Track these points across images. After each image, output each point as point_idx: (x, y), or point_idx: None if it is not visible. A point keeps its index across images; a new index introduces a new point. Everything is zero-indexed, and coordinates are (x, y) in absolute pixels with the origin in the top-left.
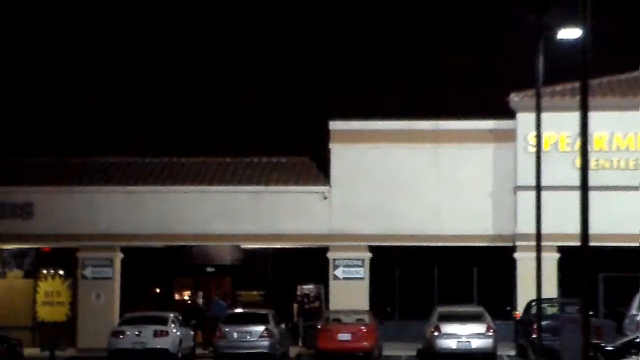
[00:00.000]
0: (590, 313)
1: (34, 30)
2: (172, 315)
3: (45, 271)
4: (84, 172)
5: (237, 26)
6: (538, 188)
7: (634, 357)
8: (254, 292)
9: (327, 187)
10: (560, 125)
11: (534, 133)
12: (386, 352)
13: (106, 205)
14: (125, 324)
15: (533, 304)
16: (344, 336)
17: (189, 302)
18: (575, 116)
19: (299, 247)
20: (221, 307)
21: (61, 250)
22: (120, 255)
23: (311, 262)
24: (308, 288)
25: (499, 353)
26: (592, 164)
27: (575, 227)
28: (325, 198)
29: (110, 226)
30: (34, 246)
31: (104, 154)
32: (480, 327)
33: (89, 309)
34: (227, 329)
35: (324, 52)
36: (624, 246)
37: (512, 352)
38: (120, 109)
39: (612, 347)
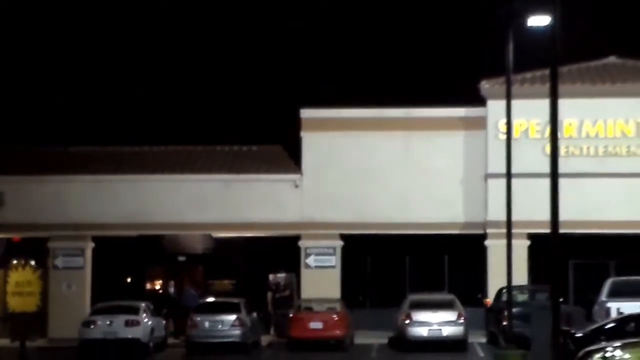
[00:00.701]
0: (560, 300)
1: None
2: (143, 304)
3: (15, 261)
4: (55, 161)
5: (237, 26)
6: (508, 175)
7: (603, 343)
8: (226, 281)
9: (299, 176)
10: (531, 113)
11: (505, 120)
12: (358, 340)
13: (77, 194)
14: (96, 314)
15: (504, 291)
16: (316, 324)
17: (161, 291)
18: (545, 103)
19: (271, 235)
20: (192, 296)
21: (32, 240)
22: (91, 245)
23: (283, 250)
24: (279, 277)
25: (470, 340)
26: (562, 151)
27: (545, 214)
28: (296, 186)
29: (81, 215)
30: (4, 236)
31: (75, 143)
32: (451, 315)
33: (60, 299)
34: (198, 318)
35: (323, 52)
36: (594, 233)
37: (483, 340)
38: (90, 99)
39: (582, 333)
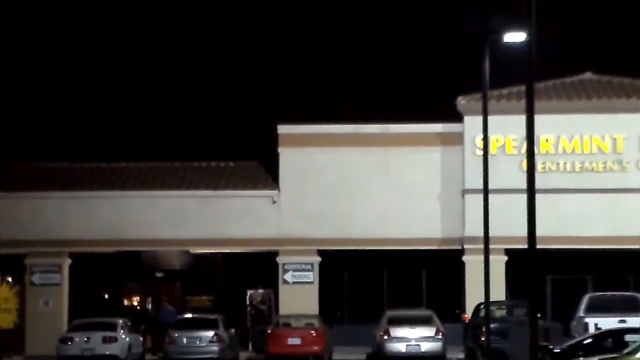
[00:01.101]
0: (538, 315)
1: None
2: (121, 321)
3: None
4: (32, 177)
5: (237, 26)
6: (485, 191)
7: (581, 358)
8: (204, 297)
9: (276, 191)
10: (507, 128)
11: (481, 136)
12: (336, 356)
13: (54, 210)
14: (73, 330)
15: (481, 306)
16: (294, 340)
17: (138, 307)
18: (522, 119)
19: (248, 251)
20: (170, 312)
21: (9, 256)
22: (68, 261)
23: (261, 266)
24: (256, 292)
25: (448, 356)
26: (538, 166)
27: (522, 230)
28: (274, 202)
29: (58, 232)
30: None
31: (52, 159)
32: (429, 331)
33: (37, 315)
34: (176, 335)
35: (323, 52)
36: (571, 248)
37: (461, 355)
38: (67, 115)
39: (560, 349)
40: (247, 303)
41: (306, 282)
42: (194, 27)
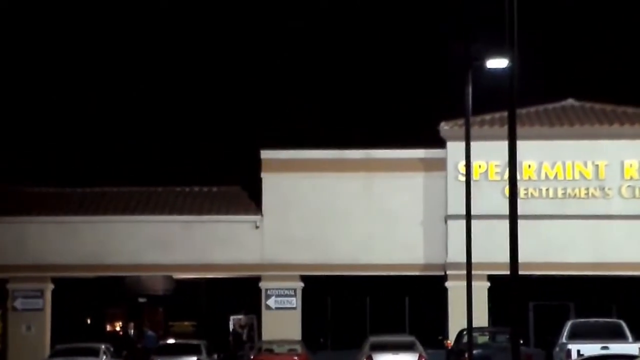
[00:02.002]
0: (521, 342)
1: None
2: (103, 346)
3: None
4: (14, 201)
5: (237, 26)
6: (468, 217)
7: None
8: (187, 323)
9: (259, 217)
10: (490, 154)
11: (464, 162)
12: None
13: (36, 235)
14: (56, 356)
15: (464, 332)
16: None
17: (121, 333)
18: (504, 145)
19: (231, 276)
20: (152, 338)
21: None
22: (50, 286)
23: (243, 292)
24: (237, 318)
25: None
26: (521, 192)
27: (505, 256)
28: (257, 227)
29: (41, 257)
30: None
31: (34, 183)
32: (412, 357)
33: (19, 341)
34: None
35: (322, 53)
36: (554, 275)
37: None
38: (50, 139)
39: None
40: (230, 329)
41: (289, 308)
42: (170, 52)
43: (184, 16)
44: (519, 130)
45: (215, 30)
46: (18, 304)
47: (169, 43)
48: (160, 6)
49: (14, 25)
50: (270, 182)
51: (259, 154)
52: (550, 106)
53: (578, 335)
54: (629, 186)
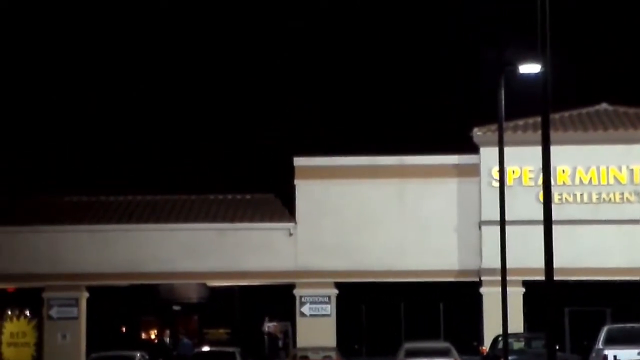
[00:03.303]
0: (557, 347)
1: None
2: (138, 354)
3: (10, 312)
4: (49, 211)
5: (237, 26)
6: (502, 223)
7: None
8: (221, 330)
9: (293, 224)
10: (524, 160)
11: (497, 167)
12: None
13: (71, 244)
14: None
15: (499, 338)
16: None
17: (156, 340)
18: (538, 150)
19: (265, 284)
20: (188, 345)
21: (26, 290)
22: (85, 295)
23: (278, 299)
24: (268, 325)
25: None
26: (555, 198)
27: (540, 262)
28: (290, 234)
29: (76, 265)
30: None
31: (69, 193)
32: None
33: (54, 349)
34: None
35: (322, 55)
36: (589, 280)
37: None
38: (85, 149)
39: None
40: (265, 330)
41: (323, 315)
42: (206, 54)
43: (185, 16)
44: (553, 135)
45: (215, 30)
46: (53, 312)
47: (170, 45)
48: (160, 6)
49: (13, 25)
50: (304, 189)
51: (292, 161)
52: (584, 111)
53: (614, 340)
54: None
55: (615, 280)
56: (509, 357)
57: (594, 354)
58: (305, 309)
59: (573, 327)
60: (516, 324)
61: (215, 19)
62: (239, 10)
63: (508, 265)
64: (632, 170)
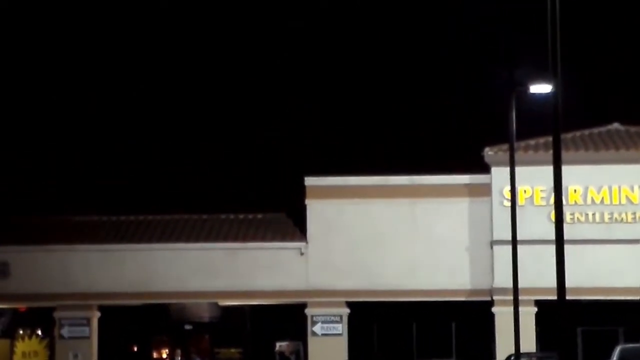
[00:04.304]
0: None
1: None
2: None
3: (22, 331)
4: (60, 230)
5: (236, 27)
6: (514, 242)
7: None
8: (233, 349)
9: (304, 243)
10: (535, 179)
11: (509, 187)
12: None
13: (82, 264)
14: None
15: (512, 358)
16: None
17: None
18: (549, 170)
19: (277, 303)
20: None
21: (38, 309)
22: (97, 314)
23: (289, 318)
24: (282, 344)
25: None
26: (567, 217)
27: (552, 281)
28: (302, 254)
29: (87, 285)
30: (10, 306)
31: (80, 212)
32: None
33: None
34: None
35: (329, 123)
36: (602, 300)
37: None
38: (95, 168)
39: None
40: (276, 350)
41: (335, 334)
42: (207, 59)
43: (186, 17)
44: (564, 154)
45: (215, 32)
46: (65, 332)
47: (172, 48)
48: (160, 6)
49: (14, 25)
50: (315, 209)
51: (303, 181)
52: (595, 130)
53: None
54: None
55: (628, 300)
56: None
57: None
58: (317, 328)
59: (586, 346)
60: (528, 343)
61: (215, 20)
62: (238, 11)
63: (520, 285)
64: None
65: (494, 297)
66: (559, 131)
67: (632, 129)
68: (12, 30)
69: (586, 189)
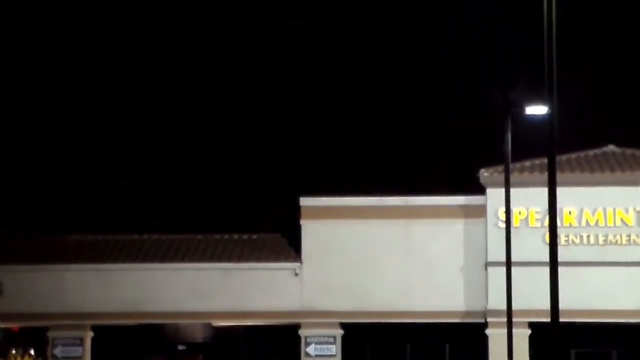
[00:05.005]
0: None
1: None
2: None
3: (14, 351)
4: (53, 250)
5: (236, 28)
6: (508, 264)
7: None
8: None
9: (298, 264)
10: (530, 201)
11: (504, 209)
12: None
13: (76, 283)
14: None
15: None
16: None
17: None
18: (544, 191)
19: (271, 324)
20: None
21: (31, 329)
22: (90, 334)
23: (283, 339)
24: None
25: None
26: (561, 239)
27: (546, 303)
28: (296, 274)
29: (80, 305)
30: (3, 325)
31: (73, 232)
32: None
33: None
34: None
35: (323, 144)
36: (595, 322)
37: None
38: (87, 187)
39: None
40: None
41: (329, 355)
42: (209, 62)
43: (187, 19)
44: (559, 176)
45: (215, 34)
46: (58, 351)
47: (175, 52)
48: (161, 6)
49: (15, 26)
50: (310, 229)
51: (298, 201)
52: (590, 152)
53: None
54: None
55: (622, 323)
56: None
57: None
58: (311, 349)
59: None
60: None
61: (215, 22)
62: (238, 12)
63: (514, 307)
64: (638, 212)
65: (488, 319)
66: (554, 153)
67: (628, 151)
68: (11, 30)
69: (581, 210)
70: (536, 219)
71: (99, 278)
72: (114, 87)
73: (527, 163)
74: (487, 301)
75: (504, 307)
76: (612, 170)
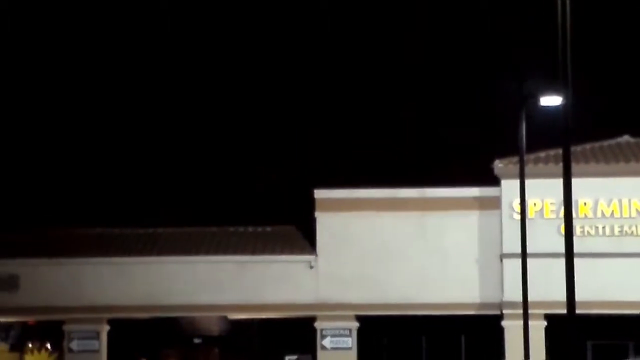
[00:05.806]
0: None
1: None
2: None
3: (31, 344)
4: (69, 243)
5: (236, 29)
6: (523, 255)
7: None
8: None
9: (313, 256)
10: (545, 192)
11: (519, 200)
12: None
13: (92, 276)
14: None
15: None
16: None
17: None
18: (559, 183)
19: (286, 317)
20: None
21: (47, 323)
22: (106, 327)
23: (298, 332)
24: (290, 358)
25: None
26: (577, 230)
27: (562, 295)
28: (311, 267)
29: (96, 298)
30: (20, 319)
31: (89, 225)
32: None
33: None
34: None
35: (338, 134)
36: (612, 313)
37: None
38: (103, 181)
39: None
40: None
41: (344, 348)
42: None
43: (189, 20)
44: (575, 167)
45: (216, 37)
46: (74, 345)
47: (172, 48)
48: (161, 6)
49: (14, 27)
50: (325, 222)
51: (312, 194)
52: (605, 143)
53: None
54: None
55: (638, 314)
56: None
57: None
58: (326, 342)
59: None
60: (538, 357)
61: (215, 24)
62: (239, 13)
63: (530, 299)
64: None
65: (504, 311)
66: (569, 144)
67: None
68: (11, 30)
69: (596, 201)
70: (551, 210)
71: (115, 271)
72: (129, 78)
73: (542, 154)
74: (502, 293)
75: (519, 298)
76: (628, 160)
